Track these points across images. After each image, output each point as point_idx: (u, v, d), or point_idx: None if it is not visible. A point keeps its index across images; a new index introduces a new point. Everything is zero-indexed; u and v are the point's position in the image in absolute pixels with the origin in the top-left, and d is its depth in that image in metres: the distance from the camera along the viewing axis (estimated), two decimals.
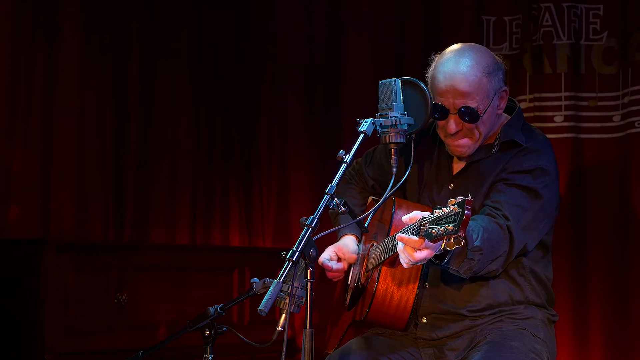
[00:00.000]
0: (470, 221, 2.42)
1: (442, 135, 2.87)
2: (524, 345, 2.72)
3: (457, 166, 2.93)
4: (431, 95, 2.76)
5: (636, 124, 4.26)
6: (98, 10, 4.97)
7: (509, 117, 2.93)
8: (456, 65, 2.78)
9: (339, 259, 2.97)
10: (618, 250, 4.27)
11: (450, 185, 2.91)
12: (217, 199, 5.38)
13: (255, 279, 2.76)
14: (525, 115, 4.40)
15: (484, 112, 2.78)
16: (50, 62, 4.79)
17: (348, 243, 2.98)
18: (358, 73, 5.12)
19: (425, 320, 2.85)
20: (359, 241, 3.03)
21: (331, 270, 2.95)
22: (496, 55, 2.91)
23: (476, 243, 2.55)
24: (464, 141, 2.83)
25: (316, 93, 5.36)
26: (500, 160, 2.84)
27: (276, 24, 5.43)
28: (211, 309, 2.84)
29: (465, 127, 2.80)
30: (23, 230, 4.61)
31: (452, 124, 2.79)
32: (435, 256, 2.54)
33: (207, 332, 2.84)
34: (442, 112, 2.79)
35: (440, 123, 2.82)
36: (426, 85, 2.80)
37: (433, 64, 2.87)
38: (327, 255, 2.95)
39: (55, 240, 4.41)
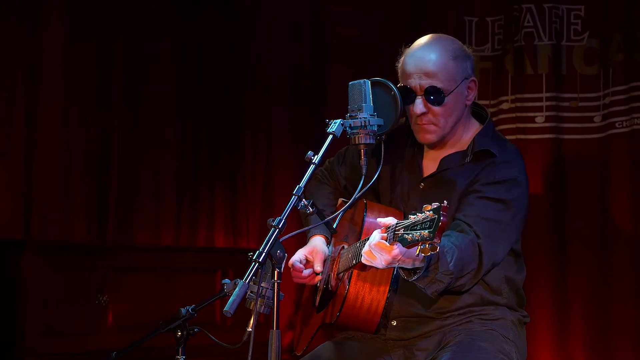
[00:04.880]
0: (443, 237, 2.44)
1: (411, 123, 2.89)
2: (492, 345, 2.72)
3: (428, 167, 2.94)
4: (399, 82, 2.83)
5: (617, 125, 4.27)
6: (83, 12, 4.97)
7: (482, 126, 2.93)
8: (423, 48, 2.86)
9: (308, 262, 2.96)
10: (599, 250, 4.28)
11: (421, 185, 2.91)
12: (202, 200, 5.38)
13: (227, 280, 2.76)
14: (507, 116, 4.49)
15: (450, 94, 2.81)
16: (34, 63, 4.79)
17: (318, 244, 2.98)
18: (343, 74, 5.10)
19: (395, 323, 2.85)
20: (329, 242, 3.03)
21: (301, 274, 2.95)
22: (474, 53, 2.95)
23: (450, 266, 2.57)
24: (431, 127, 2.84)
25: (301, 95, 5.36)
26: (473, 170, 2.84)
27: (262, 25, 5.43)
28: (183, 310, 2.83)
29: (431, 111, 2.82)
30: (5, 231, 4.60)
31: (419, 105, 2.81)
32: (404, 271, 2.56)
33: (179, 333, 2.84)
34: (409, 94, 2.82)
35: (410, 107, 2.84)
36: (397, 78, 2.83)
37: (403, 52, 2.93)
38: (298, 258, 2.96)
39: (36, 242, 4.42)
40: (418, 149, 2.96)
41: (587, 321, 4.29)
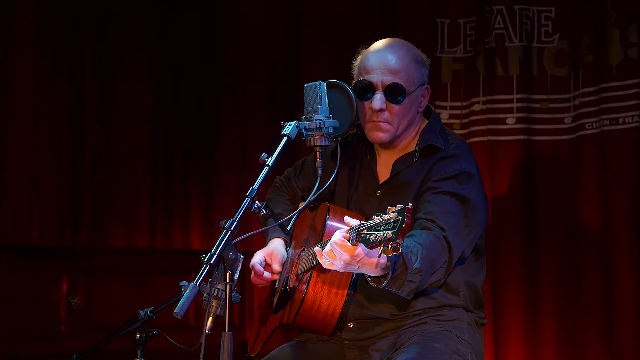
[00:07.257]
0: (407, 238, 2.44)
1: (364, 120, 2.89)
2: (447, 346, 2.73)
3: (382, 174, 2.94)
4: (358, 77, 2.87)
5: (587, 126, 4.28)
6: (54, 12, 4.95)
7: (427, 122, 2.95)
8: (387, 47, 2.90)
9: (266, 265, 2.97)
10: (569, 250, 4.29)
11: (378, 192, 2.91)
12: (177, 201, 5.36)
13: (184, 282, 2.76)
14: (478, 117, 4.50)
15: (409, 95, 2.82)
16: (4, 62, 4.76)
17: (278, 247, 2.99)
18: (316, 76, 5.09)
19: (351, 325, 2.86)
20: (288, 245, 3.04)
21: (261, 276, 2.95)
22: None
23: (415, 265, 2.57)
24: (385, 125, 2.85)
25: (277, 97, 5.35)
26: (422, 167, 2.86)
27: (237, 27, 5.42)
28: (141, 312, 2.85)
29: (388, 108, 2.84)
30: None
31: (378, 101, 2.83)
32: (373, 279, 2.56)
33: (138, 336, 2.85)
34: (369, 89, 2.82)
35: (366, 103, 2.84)
36: (352, 78, 2.84)
37: (362, 52, 2.96)
38: (258, 260, 2.96)
39: (5, 243, 4.39)
40: (372, 156, 2.98)
41: (558, 320, 4.30)
